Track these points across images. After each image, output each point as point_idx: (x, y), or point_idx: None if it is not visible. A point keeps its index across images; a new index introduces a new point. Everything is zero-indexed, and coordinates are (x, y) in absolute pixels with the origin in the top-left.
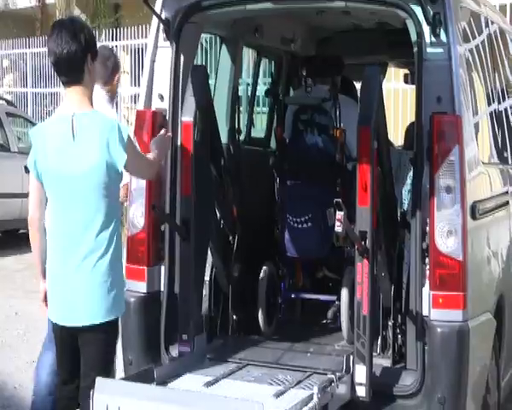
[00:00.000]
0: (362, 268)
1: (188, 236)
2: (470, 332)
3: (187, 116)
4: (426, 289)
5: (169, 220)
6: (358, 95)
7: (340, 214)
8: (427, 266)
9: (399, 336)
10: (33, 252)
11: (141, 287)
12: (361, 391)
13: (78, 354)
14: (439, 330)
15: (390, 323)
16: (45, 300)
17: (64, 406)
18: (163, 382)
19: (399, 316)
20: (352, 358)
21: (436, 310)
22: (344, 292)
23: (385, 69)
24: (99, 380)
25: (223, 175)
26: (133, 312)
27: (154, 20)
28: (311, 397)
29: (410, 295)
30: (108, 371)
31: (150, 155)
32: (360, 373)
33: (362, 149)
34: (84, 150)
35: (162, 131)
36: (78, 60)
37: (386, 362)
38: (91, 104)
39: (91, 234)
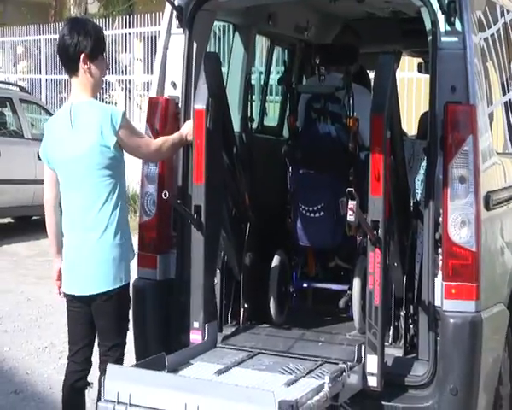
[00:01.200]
0: (374, 258)
1: (200, 223)
2: (483, 323)
3: (199, 103)
4: (438, 280)
5: (180, 207)
6: (372, 84)
7: (352, 204)
8: (440, 257)
9: (411, 326)
10: (48, 231)
11: (152, 274)
12: (372, 381)
13: (89, 327)
14: (451, 320)
15: (402, 313)
16: (58, 279)
17: (72, 379)
18: (174, 369)
19: (411, 306)
20: (363, 348)
21: (449, 301)
22: (356, 281)
23: (399, 58)
24: (110, 367)
25: (235, 163)
26: (145, 299)
27: (168, 7)
28: (322, 386)
29: (423, 285)
30: (124, 337)
31: (158, 141)
32: (372, 363)
33: (375, 138)
34: (81, 136)
35: (187, 127)
36: (70, 55)
37: (398, 352)
38: (92, 95)
39: (92, 211)
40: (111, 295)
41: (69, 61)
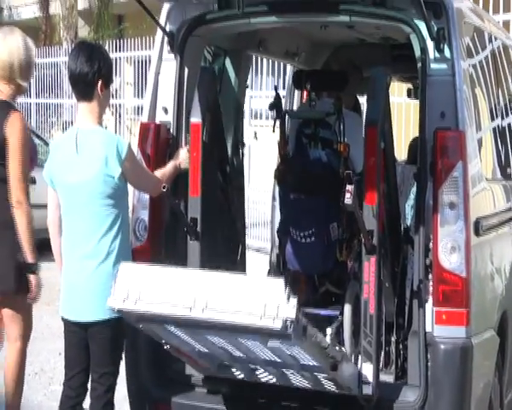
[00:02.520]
0: (369, 267)
1: (196, 233)
2: (473, 349)
3: (196, 117)
4: (429, 306)
5: (177, 206)
6: (363, 109)
7: (350, 187)
8: (431, 282)
9: (402, 352)
10: (54, 251)
11: None
12: (367, 389)
13: (85, 353)
14: (442, 346)
15: (393, 338)
16: None
17: (67, 404)
18: None
19: (402, 332)
20: (359, 356)
21: (439, 326)
22: (347, 307)
23: (388, 83)
24: (122, 265)
25: (228, 183)
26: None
27: (159, 32)
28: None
29: (413, 310)
30: (116, 366)
31: (158, 173)
32: (367, 371)
33: (369, 149)
34: (86, 162)
35: (180, 157)
36: (88, 81)
37: (389, 378)
38: (98, 121)
39: (93, 240)
40: (107, 323)
41: (87, 86)
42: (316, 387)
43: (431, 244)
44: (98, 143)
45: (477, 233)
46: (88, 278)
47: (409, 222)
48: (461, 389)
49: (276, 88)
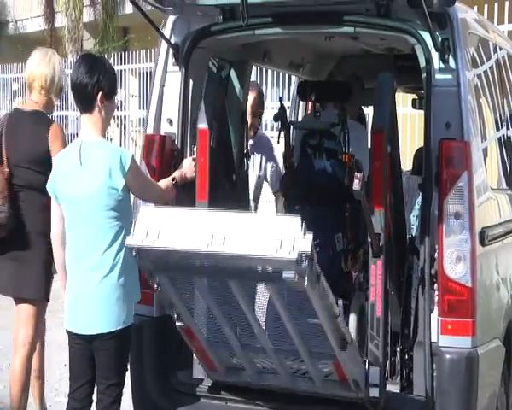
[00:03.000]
0: (376, 270)
1: None
2: (479, 359)
3: (203, 123)
4: (434, 316)
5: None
6: (367, 120)
7: (359, 174)
8: (436, 292)
9: (408, 362)
10: (57, 265)
11: (149, 311)
12: (374, 392)
13: (90, 365)
14: (447, 356)
15: (398, 349)
16: None
17: None
18: None
19: (408, 342)
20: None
21: (445, 336)
22: (352, 317)
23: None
24: (142, 208)
25: (233, 190)
26: (142, 335)
27: (164, 44)
28: None
29: (419, 320)
30: (122, 377)
31: (163, 183)
32: (374, 374)
33: (375, 154)
34: (89, 175)
35: (184, 166)
36: (88, 93)
37: (395, 388)
38: (101, 133)
39: (97, 252)
40: (112, 335)
41: (86, 98)
42: (320, 388)
43: (436, 254)
44: (102, 156)
45: (482, 243)
46: (92, 291)
47: (414, 232)
48: (467, 400)
49: (280, 99)
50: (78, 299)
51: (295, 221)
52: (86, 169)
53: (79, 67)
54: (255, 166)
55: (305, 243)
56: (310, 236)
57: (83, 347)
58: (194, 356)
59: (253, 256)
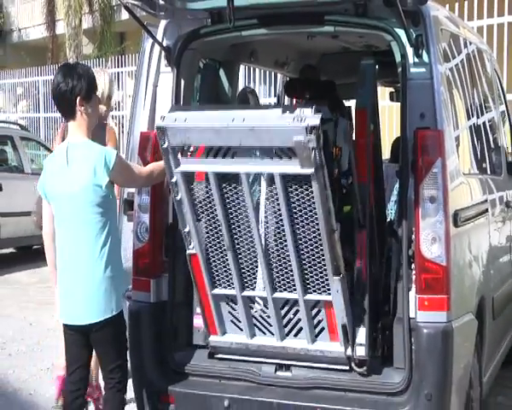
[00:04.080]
0: (361, 239)
1: None
2: (454, 332)
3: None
4: (412, 293)
5: None
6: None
7: None
8: (414, 272)
9: (388, 337)
10: (48, 261)
11: (147, 297)
12: (361, 351)
13: (83, 350)
14: (425, 330)
15: (379, 325)
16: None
17: (70, 397)
18: None
19: (388, 319)
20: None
21: (422, 312)
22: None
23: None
24: (168, 113)
25: None
26: (140, 320)
27: (156, 47)
28: None
29: (398, 298)
30: (123, 358)
31: (149, 167)
32: (360, 335)
33: (359, 131)
34: (75, 174)
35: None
36: (66, 100)
37: (376, 362)
38: (86, 134)
39: (83, 246)
40: (103, 324)
41: (66, 106)
42: (311, 349)
43: (413, 236)
44: (87, 156)
45: (456, 224)
46: (81, 284)
47: (392, 216)
48: (443, 370)
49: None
50: (68, 292)
51: (307, 106)
52: (72, 168)
53: (56, 77)
54: None
55: (315, 118)
56: (319, 115)
57: (75, 336)
58: (195, 324)
59: (270, 127)
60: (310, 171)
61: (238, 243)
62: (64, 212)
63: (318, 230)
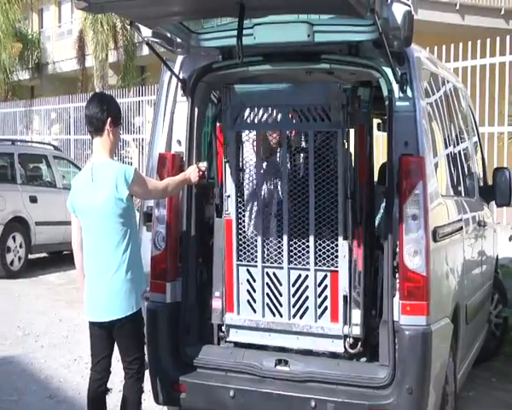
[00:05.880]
0: (358, 234)
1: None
2: (432, 334)
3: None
4: (396, 299)
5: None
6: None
7: None
8: (398, 280)
9: (374, 338)
10: (76, 266)
11: (163, 298)
12: (356, 330)
13: (106, 343)
14: (407, 332)
15: (366, 328)
16: None
17: (94, 385)
18: None
19: (374, 321)
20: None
21: (405, 316)
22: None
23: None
24: None
25: None
26: (157, 319)
27: (174, 79)
28: None
29: (384, 304)
30: (141, 351)
31: (164, 182)
32: (356, 316)
33: (360, 142)
34: (99, 189)
35: (188, 170)
36: (99, 118)
37: (364, 359)
38: (109, 155)
39: (106, 253)
40: (124, 321)
41: (98, 122)
42: (314, 326)
43: (397, 249)
44: (109, 173)
45: (435, 240)
46: (105, 286)
47: (379, 231)
48: (422, 367)
49: None
50: (94, 293)
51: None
52: (96, 185)
53: (92, 100)
54: None
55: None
56: None
57: (99, 330)
58: (214, 306)
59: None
60: (338, 129)
61: (267, 211)
62: (90, 222)
63: (336, 194)
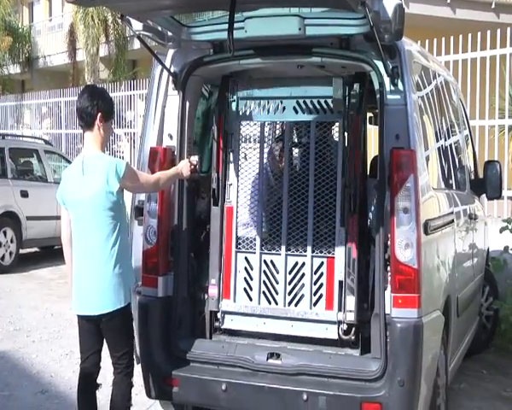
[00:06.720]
0: (352, 223)
1: (217, 202)
2: (424, 327)
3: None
4: (388, 292)
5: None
6: None
7: None
8: (389, 273)
9: (366, 330)
10: (66, 260)
11: (154, 292)
12: (350, 316)
13: (95, 339)
14: (398, 325)
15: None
16: None
17: (84, 381)
18: None
19: (366, 314)
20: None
21: (396, 309)
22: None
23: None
24: None
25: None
26: (149, 312)
27: (165, 73)
28: None
29: (375, 296)
30: (130, 346)
31: (156, 176)
32: (350, 302)
33: (354, 132)
34: (90, 182)
35: (180, 164)
36: (88, 113)
37: (356, 352)
38: (100, 148)
39: (96, 246)
40: (112, 315)
41: (88, 117)
42: (309, 312)
43: (389, 242)
44: (100, 166)
45: (426, 232)
46: (93, 279)
47: (371, 224)
48: (414, 360)
49: None
50: (82, 287)
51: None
52: (87, 178)
53: (83, 93)
54: None
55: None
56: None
57: (88, 325)
58: (210, 293)
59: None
60: (339, 119)
61: (268, 200)
62: (80, 215)
63: (336, 183)
